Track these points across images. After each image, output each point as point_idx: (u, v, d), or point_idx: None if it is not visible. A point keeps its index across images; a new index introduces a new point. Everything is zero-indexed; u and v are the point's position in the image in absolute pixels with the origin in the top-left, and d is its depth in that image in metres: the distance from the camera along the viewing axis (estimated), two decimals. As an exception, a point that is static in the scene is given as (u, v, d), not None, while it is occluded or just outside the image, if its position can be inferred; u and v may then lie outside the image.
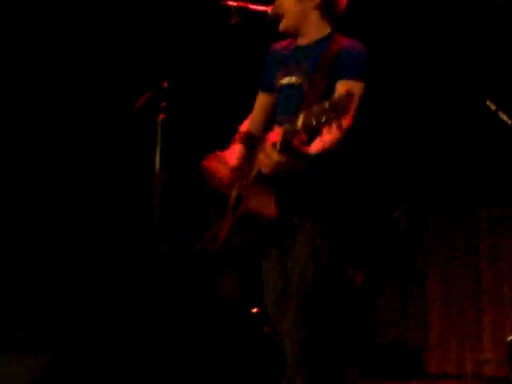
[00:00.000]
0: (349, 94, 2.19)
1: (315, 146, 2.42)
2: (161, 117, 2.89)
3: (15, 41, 4.83)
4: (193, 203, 4.42)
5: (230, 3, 2.74)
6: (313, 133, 2.30)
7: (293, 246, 2.60)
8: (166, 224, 2.97)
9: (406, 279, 5.54)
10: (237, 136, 2.88)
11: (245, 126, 2.94)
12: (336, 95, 2.24)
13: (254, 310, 4.68)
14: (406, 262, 5.54)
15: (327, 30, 2.72)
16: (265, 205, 2.52)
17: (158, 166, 2.78)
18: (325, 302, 2.55)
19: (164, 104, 2.92)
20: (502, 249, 5.34)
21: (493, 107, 3.92)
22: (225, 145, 2.84)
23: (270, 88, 2.85)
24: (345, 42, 2.65)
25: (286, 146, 2.37)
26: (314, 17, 2.71)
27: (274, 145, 2.39)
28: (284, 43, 2.84)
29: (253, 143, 2.77)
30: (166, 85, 2.89)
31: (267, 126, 2.79)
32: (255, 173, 2.58)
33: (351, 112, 2.29)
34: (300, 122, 2.28)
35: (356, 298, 4.68)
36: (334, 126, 2.19)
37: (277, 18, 2.73)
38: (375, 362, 5.13)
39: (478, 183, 5.39)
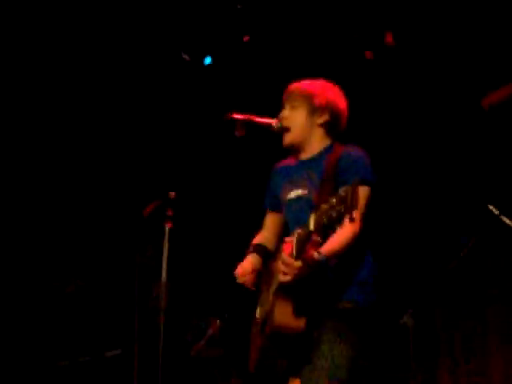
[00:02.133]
0: (353, 185, 2.19)
1: (327, 249, 2.46)
2: (168, 225, 2.93)
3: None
4: (197, 310, 4.41)
5: (236, 116, 2.82)
6: (326, 231, 2.32)
7: (312, 357, 2.59)
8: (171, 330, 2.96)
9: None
10: (250, 246, 2.91)
11: (256, 239, 2.97)
12: (340, 190, 2.24)
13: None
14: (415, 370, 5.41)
15: (329, 142, 2.79)
16: (292, 317, 2.51)
17: (164, 275, 2.80)
18: None
19: (171, 213, 2.97)
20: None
21: (495, 212, 3.96)
22: (230, 253, 2.87)
23: (276, 207, 2.91)
24: (343, 150, 2.72)
25: (301, 252, 2.39)
26: (319, 132, 2.80)
27: (290, 253, 2.40)
28: (286, 161, 2.91)
29: (267, 255, 2.80)
30: (173, 194, 2.96)
31: (278, 244, 2.80)
32: (276, 287, 2.59)
33: (360, 204, 2.31)
34: (312, 223, 2.29)
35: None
36: (346, 220, 2.19)
37: (282, 130, 2.80)
38: None
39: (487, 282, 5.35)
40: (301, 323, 2.51)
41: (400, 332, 4.37)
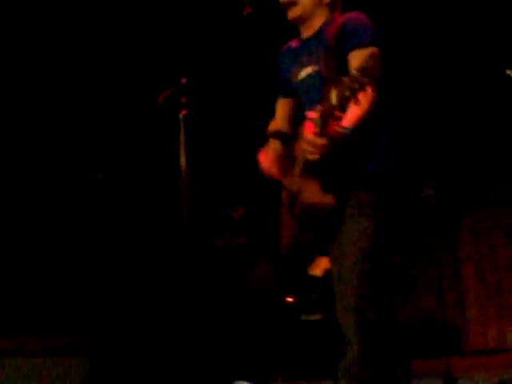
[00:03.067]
0: (372, 56, 2.21)
1: (351, 119, 2.45)
2: (183, 113, 2.88)
3: (31, 43, 4.86)
4: (220, 199, 4.43)
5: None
6: (347, 104, 2.30)
7: (340, 231, 2.61)
8: (194, 222, 2.98)
9: (441, 259, 5.49)
10: (268, 135, 2.90)
11: (271, 127, 2.96)
12: (360, 61, 2.24)
13: (289, 299, 4.68)
14: (439, 242, 5.49)
15: (329, 16, 2.78)
16: (322, 194, 2.54)
17: (184, 166, 2.78)
18: (374, 285, 2.57)
19: (185, 100, 2.91)
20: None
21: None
22: (248, 137, 2.84)
23: (287, 91, 2.91)
24: (343, 17, 2.71)
25: (325, 129, 2.39)
26: (324, 10, 2.79)
27: (314, 131, 2.40)
28: (290, 43, 2.90)
29: (285, 139, 2.79)
30: (184, 81, 2.89)
31: (294, 128, 2.81)
32: (301, 166, 2.60)
33: (375, 77, 2.26)
34: (334, 96, 2.27)
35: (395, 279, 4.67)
36: (369, 89, 2.21)
37: (290, 4, 2.76)
38: (413, 341, 5.11)
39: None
40: (331, 199, 2.54)
41: (422, 203, 4.39)
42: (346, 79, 2.22)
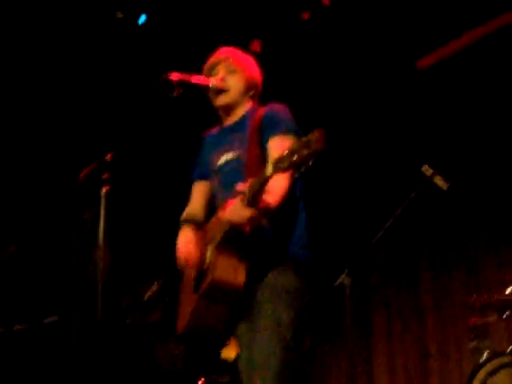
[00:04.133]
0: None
1: (276, 197, 2.49)
2: (105, 188, 2.87)
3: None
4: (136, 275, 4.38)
5: (173, 77, 2.80)
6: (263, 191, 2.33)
7: (253, 315, 2.59)
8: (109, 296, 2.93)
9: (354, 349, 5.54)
10: (181, 221, 2.92)
11: (184, 215, 2.99)
12: (277, 145, 2.33)
13: (200, 382, 4.59)
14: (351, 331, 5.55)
15: (250, 106, 2.91)
16: (234, 272, 2.50)
17: (101, 240, 2.75)
18: (293, 373, 2.56)
19: (107, 175, 2.91)
20: (444, 304, 5.40)
21: (428, 172, 4.03)
22: (166, 214, 2.86)
23: (204, 176, 2.97)
24: (265, 108, 2.83)
25: (255, 202, 2.40)
26: (247, 101, 2.93)
27: (242, 200, 2.40)
28: (212, 130, 3.01)
29: (198, 226, 2.79)
30: (110, 156, 2.90)
31: (208, 213, 2.87)
32: (216, 242, 2.58)
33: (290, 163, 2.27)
34: (270, 168, 2.28)
35: (305, 363, 4.67)
36: (280, 172, 2.23)
37: (219, 91, 2.88)
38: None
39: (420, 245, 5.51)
40: (241, 278, 2.50)
41: (336, 291, 4.45)
42: (285, 152, 2.23)
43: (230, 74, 2.88)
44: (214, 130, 3.00)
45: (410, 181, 4.01)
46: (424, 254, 5.54)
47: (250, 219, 2.42)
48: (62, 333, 4.68)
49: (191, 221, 2.92)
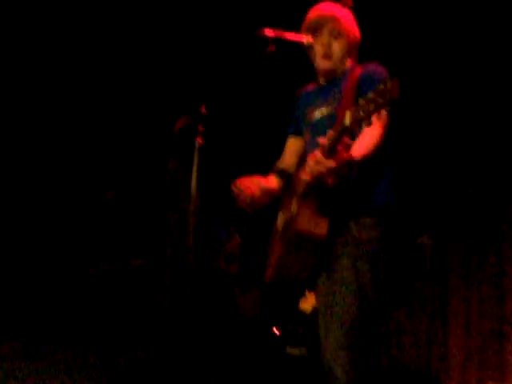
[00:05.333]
0: (392, 79, 2.20)
1: (360, 150, 2.48)
2: (198, 141, 2.97)
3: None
4: (226, 221, 4.49)
5: (267, 33, 2.83)
6: (360, 126, 2.31)
7: (332, 267, 2.63)
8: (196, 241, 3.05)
9: (429, 304, 5.53)
10: (273, 169, 2.98)
11: (277, 166, 3.07)
12: (370, 96, 2.24)
13: (276, 330, 4.70)
14: (428, 287, 5.54)
15: (348, 65, 2.92)
16: (316, 222, 2.53)
17: (194, 190, 2.86)
18: (367, 327, 2.58)
19: (202, 128, 2.99)
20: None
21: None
22: (260, 170, 2.94)
23: (299, 131, 3.01)
24: (364, 67, 2.83)
25: (333, 152, 2.40)
26: (346, 62, 2.93)
27: (323, 150, 2.42)
28: (308, 86, 3.03)
29: (288, 178, 2.84)
30: (204, 109, 2.98)
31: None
32: (300, 193, 2.63)
33: (383, 117, 2.29)
34: (348, 117, 2.29)
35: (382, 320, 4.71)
36: (383, 112, 2.21)
37: (325, 56, 2.88)
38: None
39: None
40: (323, 230, 2.52)
41: (418, 251, 4.45)
42: (361, 101, 2.25)
43: (335, 40, 2.88)
44: (311, 87, 3.01)
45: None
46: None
47: (329, 170, 2.41)
48: (148, 275, 4.89)
49: (280, 171, 2.98)
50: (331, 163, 2.40)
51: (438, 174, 5.38)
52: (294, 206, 2.71)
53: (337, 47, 2.87)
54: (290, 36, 2.87)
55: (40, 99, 5.11)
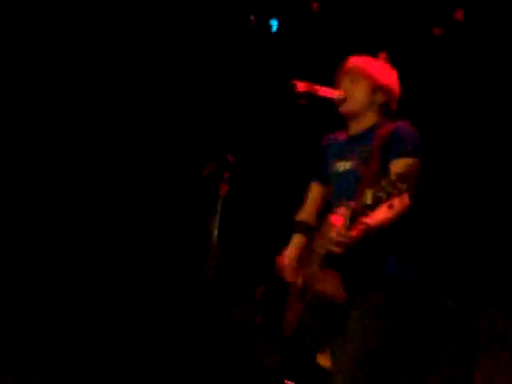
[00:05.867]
0: (413, 165, 2.32)
1: (378, 220, 2.51)
2: (223, 188, 2.98)
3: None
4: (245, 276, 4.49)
5: (299, 87, 2.85)
6: (379, 206, 2.37)
7: (346, 329, 2.65)
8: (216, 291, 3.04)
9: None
10: (294, 226, 3.01)
11: (299, 216, 3.07)
12: (400, 168, 2.33)
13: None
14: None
15: (378, 119, 2.88)
16: (336, 288, 2.61)
17: (215, 238, 2.87)
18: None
19: (228, 175, 3.01)
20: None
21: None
22: (281, 221, 2.94)
23: (323, 178, 3.01)
24: (393, 125, 2.79)
25: (353, 225, 2.46)
26: (374, 111, 2.89)
27: (343, 225, 2.47)
28: (336, 135, 3.01)
29: (310, 231, 2.86)
30: (230, 157, 3.00)
31: (320, 216, 2.91)
32: (321, 256, 2.66)
33: (411, 186, 2.34)
34: (369, 196, 2.34)
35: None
36: (405, 197, 2.31)
37: (341, 101, 2.88)
38: None
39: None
40: (344, 294, 2.59)
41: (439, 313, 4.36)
42: (383, 182, 2.30)
43: (353, 84, 2.87)
44: (338, 136, 3.00)
45: None
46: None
47: (349, 243, 2.49)
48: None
49: (303, 224, 3.00)
50: (351, 236, 2.48)
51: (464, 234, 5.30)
52: (314, 266, 2.73)
53: (354, 89, 2.86)
54: (322, 91, 2.88)
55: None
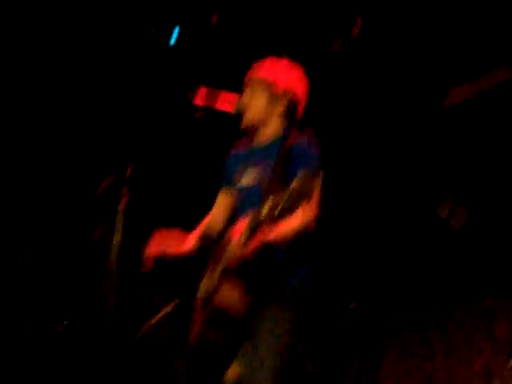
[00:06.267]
0: (310, 179, 2.25)
1: (278, 235, 2.48)
2: (122, 202, 2.93)
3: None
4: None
5: (198, 101, 2.83)
6: (277, 220, 2.32)
7: (252, 341, 2.63)
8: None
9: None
10: (197, 229, 2.94)
11: (204, 222, 3.00)
12: (298, 183, 2.27)
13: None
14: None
15: (284, 128, 2.82)
16: (235, 300, 2.57)
17: (115, 255, 2.81)
18: None
19: (126, 189, 2.95)
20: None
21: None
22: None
23: (231, 185, 2.92)
24: (297, 137, 2.73)
25: (250, 240, 2.43)
26: (276, 119, 2.82)
27: (239, 239, 2.45)
28: (241, 145, 2.93)
29: (213, 240, 2.82)
30: (128, 172, 2.94)
31: (228, 224, 2.86)
32: (222, 268, 2.62)
33: (314, 200, 2.37)
34: (264, 211, 2.31)
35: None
36: (301, 211, 2.27)
37: (240, 115, 2.81)
38: None
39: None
40: (243, 306, 2.57)
41: (343, 322, 4.44)
42: (286, 196, 2.25)
43: (252, 96, 2.80)
44: (243, 146, 2.92)
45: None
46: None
47: (243, 260, 2.48)
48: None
49: (207, 235, 2.93)
50: (245, 252, 2.46)
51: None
52: (214, 279, 2.69)
53: (253, 102, 2.79)
54: (221, 105, 2.87)
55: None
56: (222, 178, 2.99)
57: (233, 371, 3.32)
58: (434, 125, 4.82)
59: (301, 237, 2.56)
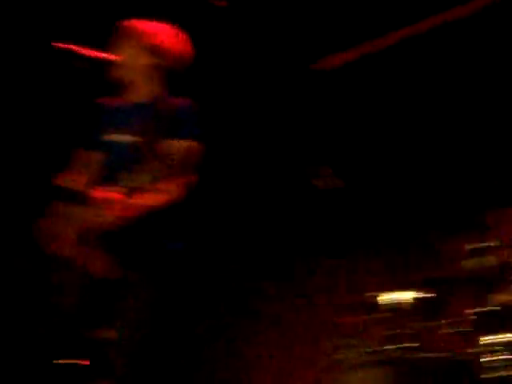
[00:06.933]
0: (186, 150, 2.31)
1: (148, 202, 2.47)
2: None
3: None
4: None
5: (61, 45, 2.72)
6: (151, 187, 2.36)
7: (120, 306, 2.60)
8: None
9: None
10: (56, 189, 2.80)
11: (64, 180, 2.80)
12: (181, 150, 2.32)
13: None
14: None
15: (159, 90, 2.76)
16: (106, 265, 2.54)
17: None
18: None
19: None
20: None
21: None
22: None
23: (95, 145, 2.79)
24: (176, 102, 2.70)
25: (126, 202, 2.42)
26: (148, 75, 2.76)
27: (107, 203, 2.44)
28: (114, 100, 2.82)
29: (72, 198, 2.71)
30: None
31: (90, 183, 2.73)
32: (81, 232, 2.56)
33: (190, 168, 2.36)
34: (145, 176, 2.36)
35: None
36: (174, 180, 2.31)
37: (109, 65, 2.75)
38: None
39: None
40: (117, 271, 2.55)
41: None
42: (162, 162, 2.31)
43: (122, 47, 2.74)
44: (116, 101, 2.81)
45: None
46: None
47: (110, 223, 2.46)
48: None
49: (67, 193, 2.76)
50: (113, 217, 2.44)
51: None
52: (84, 242, 2.61)
53: (121, 54, 2.72)
54: (87, 52, 2.76)
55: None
56: (86, 137, 2.84)
57: (101, 334, 3.29)
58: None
59: (173, 206, 2.54)
